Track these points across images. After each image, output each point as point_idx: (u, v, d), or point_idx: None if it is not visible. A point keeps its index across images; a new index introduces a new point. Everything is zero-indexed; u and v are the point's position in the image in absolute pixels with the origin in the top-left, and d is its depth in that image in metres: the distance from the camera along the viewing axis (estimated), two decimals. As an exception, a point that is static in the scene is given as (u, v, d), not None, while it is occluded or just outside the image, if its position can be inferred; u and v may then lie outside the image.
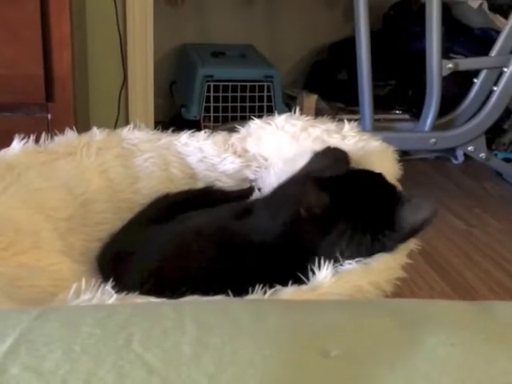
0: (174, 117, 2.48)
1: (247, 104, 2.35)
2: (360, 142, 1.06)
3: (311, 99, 2.49)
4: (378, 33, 2.44)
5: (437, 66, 2.02)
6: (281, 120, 1.16)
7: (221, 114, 2.36)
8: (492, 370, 0.47)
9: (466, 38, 2.41)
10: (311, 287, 0.74)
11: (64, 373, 0.44)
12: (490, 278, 1.71)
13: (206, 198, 1.13)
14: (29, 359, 0.45)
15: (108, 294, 0.68)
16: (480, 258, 1.81)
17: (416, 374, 0.45)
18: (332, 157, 0.97)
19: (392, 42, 2.59)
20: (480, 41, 2.34)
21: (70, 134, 1.12)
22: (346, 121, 1.10)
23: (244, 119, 1.23)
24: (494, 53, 2.06)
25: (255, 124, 1.18)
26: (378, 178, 0.89)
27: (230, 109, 2.35)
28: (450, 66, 2.03)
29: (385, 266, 0.75)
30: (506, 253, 1.84)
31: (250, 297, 0.71)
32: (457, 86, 2.21)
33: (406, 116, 2.45)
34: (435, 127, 2.12)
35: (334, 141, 1.07)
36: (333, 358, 0.46)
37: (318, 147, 1.02)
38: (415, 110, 2.34)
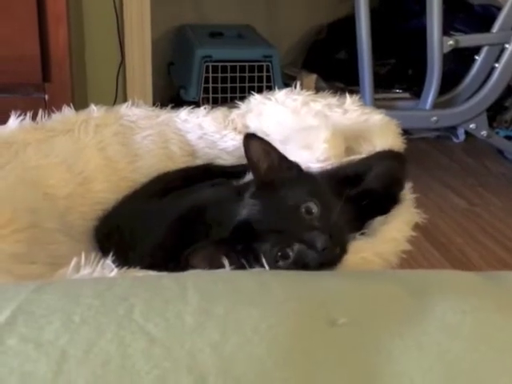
0: (172, 98, 2.45)
1: (246, 84, 2.32)
2: (363, 116, 1.04)
3: (310, 79, 2.47)
4: (377, 11, 2.41)
5: (437, 43, 2.00)
6: (281, 95, 1.14)
7: (220, 95, 2.33)
8: (504, 336, 0.45)
9: (467, 15, 2.38)
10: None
11: (64, 343, 0.42)
12: (492, 256, 1.70)
13: (205, 174, 1.11)
14: (27, 330, 0.44)
15: (108, 268, 0.67)
16: (481, 236, 1.80)
17: (427, 341, 0.44)
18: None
19: (392, 20, 2.57)
20: (480, 17, 2.32)
21: (68, 112, 1.10)
22: (347, 94, 1.08)
23: (243, 100, 1.20)
24: (495, 29, 2.03)
25: (255, 99, 1.16)
26: None
27: (229, 90, 2.33)
28: (451, 42, 2.00)
29: (390, 238, 0.74)
30: (507, 230, 1.83)
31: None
32: (458, 63, 2.19)
33: (407, 95, 2.43)
34: (436, 105, 2.10)
35: (336, 115, 1.05)
36: (340, 326, 0.45)
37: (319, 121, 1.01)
38: (416, 89, 2.32)
